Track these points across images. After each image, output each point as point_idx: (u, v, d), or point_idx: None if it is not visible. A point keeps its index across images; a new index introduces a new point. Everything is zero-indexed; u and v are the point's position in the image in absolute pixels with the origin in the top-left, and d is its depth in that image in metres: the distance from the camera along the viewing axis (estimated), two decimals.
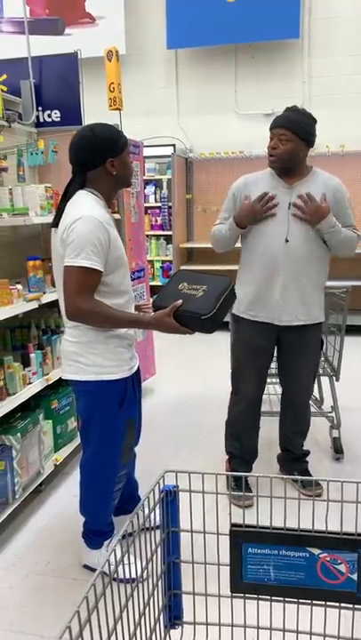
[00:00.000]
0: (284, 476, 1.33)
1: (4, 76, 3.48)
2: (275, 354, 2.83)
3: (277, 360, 2.84)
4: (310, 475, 2.91)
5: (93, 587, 0.88)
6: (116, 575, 0.98)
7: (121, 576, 1.02)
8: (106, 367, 2.05)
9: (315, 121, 2.55)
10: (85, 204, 1.95)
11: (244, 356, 2.78)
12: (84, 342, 2.04)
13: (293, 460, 2.95)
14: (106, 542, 2.29)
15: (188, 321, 1.97)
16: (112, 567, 0.99)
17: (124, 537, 1.09)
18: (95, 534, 2.29)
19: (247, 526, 1.23)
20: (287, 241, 2.54)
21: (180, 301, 1.97)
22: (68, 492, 2.95)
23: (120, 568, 1.03)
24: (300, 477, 1.38)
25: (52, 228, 2.08)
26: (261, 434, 2.90)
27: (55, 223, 2.04)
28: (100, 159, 1.99)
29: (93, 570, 2.29)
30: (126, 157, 2.07)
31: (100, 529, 2.28)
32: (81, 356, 2.04)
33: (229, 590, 1.26)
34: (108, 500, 2.24)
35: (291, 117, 2.53)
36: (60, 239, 1.97)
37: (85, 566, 2.33)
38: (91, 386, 2.06)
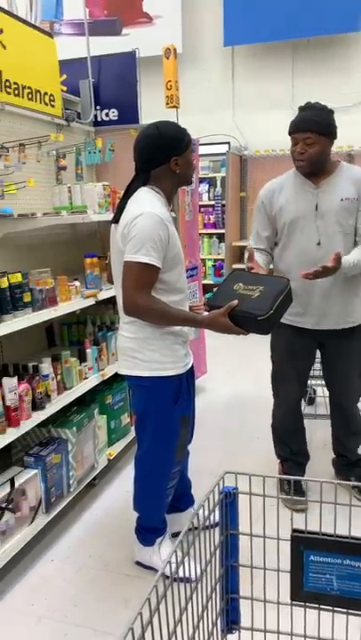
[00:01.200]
0: (349, 483, 1.28)
1: (64, 77, 3.53)
2: (317, 355, 2.77)
3: (322, 363, 2.77)
4: None
5: (155, 588, 0.87)
6: (176, 575, 0.97)
7: (181, 576, 1.01)
8: (162, 363, 2.05)
9: (332, 112, 2.47)
10: (147, 201, 1.96)
11: (283, 360, 2.72)
12: (141, 338, 2.05)
13: (349, 464, 2.86)
14: (158, 539, 2.29)
15: (244, 321, 1.94)
16: (173, 567, 0.97)
17: (173, 535, 1.08)
18: (148, 531, 2.29)
19: (309, 532, 1.19)
20: (319, 244, 2.48)
21: (235, 301, 1.94)
22: (121, 487, 2.97)
23: (180, 569, 1.01)
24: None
25: (113, 225, 2.09)
26: (318, 436, 2.83)
27: (116, 219, 2.05)
28: (165, 157, 2.00)
29: (145, 567, 2.30)
30: (190, 155, 2.07)
31: (153, 526, 2.29)
32: (137, 352, 2.06)
33: (289, 598, 1.22)
34: (161, 496, 2.24)
35: (310, 118, 2.42)
36: (120, 235, 1.98)
37: (138, 563, 2.33)
38: (146, 381, 2.07)
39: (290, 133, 2.49)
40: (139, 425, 2.20)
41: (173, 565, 0.98)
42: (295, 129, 2.47)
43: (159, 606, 0.88)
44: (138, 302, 1.93)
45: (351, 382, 2.74)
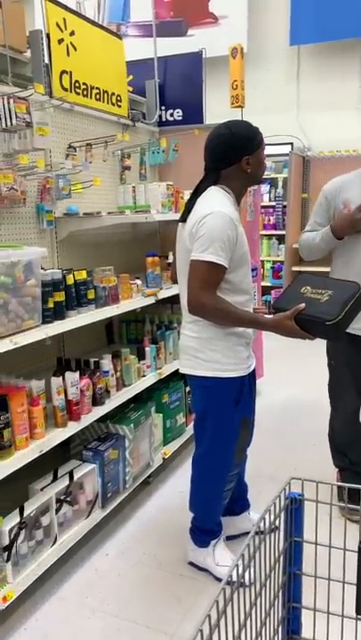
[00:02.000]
0: None
1: (131, 77, 3.57)
2: None
3: None
4: None
5: (223, 591, 0.86)
6: (243, 580, 0.95)
7: (246, 581, 0.99)
8: (224, 364, 2.03)
9: None
10: (217, 200, 1.95)
11: (342, 371, 2.62)
12: (204, 338, 2.04)
13: None
14: (213, 542, 2.27)
15: (311, 326, 1.89)
16: (240, 571, 0.95)
17: (228, 538, 1.06)
18: (203, 532, 2.28)
19: None
20: None
21: (303, 305, 1.90)
22: (175, 486, 2.98)
23: (246, 573, 0.99)
24: None
25: (180, 224, 2.09)
26: None
27: (184, 218, 2.05)
28: (237, 157, 1.98)
29: (199, 568, 2.29)
30: (262, 155, 2.05)
31: (208, 527, 2.27)
32: (200, 352, 2.05)
33: (355, 611, 1.17)
34: (218, 498, 2.22)
35: None
36: (188, 233, 1.98)
37: (191, 563, 2.33)
38: (208, 382, 2.06)
39: None
40: (198, 425, 2.20)
41: (240, 569, 0.96)
42: None
43: (226, 609, 0.87)
44: (203, 301, 1.92)
45: None
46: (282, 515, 1.20)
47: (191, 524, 2.32)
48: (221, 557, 2.24)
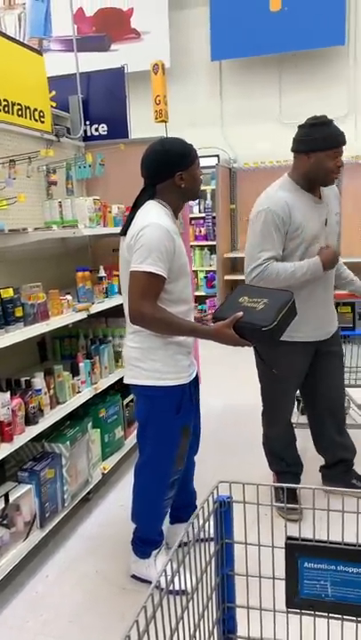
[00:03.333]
0: (352, 490, 1.29)
1: (53, 93, 3.57)
2: None
3: (312, 373, 2.72)
4: None
5: (151, 597, 0.88)
6: (172, 587, 0.97)
7: (176, 588, 1.01)
8: (164, 373, 2.08)
9: None
10: (153, 213, 2.02)
11: (281, 381, 2.64)
12: (145, 348, 2.08)
13: (348, 469, 2.86)
14: (154, 552, 2.28)
15: (249, 333, 1.97)
16: (168, 578, 0.98)
17: (179, 546, 1.08)
18: (145, 543, 2.28)
19: (303, 540, 1.20)
20: None
21: (240, 313, 1.98)
22: (115, 500, 2.97)
23: (175, 579, 1.02)
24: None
25: (121, 237, 2.14)
26: (310, 445, 2.83)
27: (124, 232, 2.10)
28: (170, 172, 2.04)
29: (142, 580, 2.29)
30: (196, 171, 2.11)
31: (150, 537, 2.28)
32: (141, 362, 2.09)
33: (285, 605, 1.22)
34: (159, 506, 2.24)
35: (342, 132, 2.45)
36: (127, 245, 2.03)
37: (133, 576, 2.32)
38: (149, 391, 2.10)
39: (333, 147, 2.39)
40: (140, 433, 2.23)
41: (168, 576, 0.99)
42: (341, 141, 2.41)
43: (155, 615, 0.89)
44: (143, 311, 1.96)
45: (343, 385, 2.81)
46: (211, 518, 1.24)
47: (133, 535, 2.33)
48: (162, 565, 2.25)
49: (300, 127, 2.50)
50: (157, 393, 2.09)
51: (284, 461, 2.84)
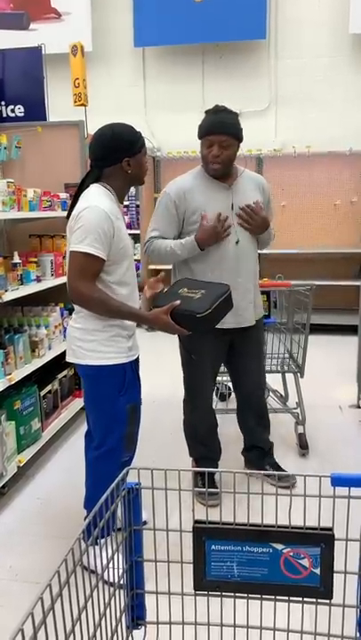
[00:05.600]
0: (260, 472, 1.31)
1: None
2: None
3: (231, 360, 2.80)
4: (281, 468, 2.91)
5: (49, 587, 0.85)
6: (81, 563, 0.96)
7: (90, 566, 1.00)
8: (103, 352, 2.12)
9: (238, 115, 2.55)
10: (95, 195, 2.04)
11: (201, 367, 2.70)
12: (86, 329, 2.12)
13: (262, 456, 2.94)
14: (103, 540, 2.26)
15: (184, 320, 2.06)
16: (76, 558, 0.96)
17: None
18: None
19: (210, 523, 1.22)
20: (237, 242, 2.56)
21: (178, 301, 2.08)
22: (32, 494, 2.89)
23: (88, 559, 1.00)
24: (276, 473, 1.35)
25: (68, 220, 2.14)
26: (231, 430, 2.89)
27: (68, 215, 2.13)
28: (117, 157, 2.07)
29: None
30: (142, 158, 2.14)
31: None
32: (82, 341, 2.13)
33: (193, 588, 1.24)
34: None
35: (227, 121, 2.47)
36: (68, 227, 2.08)
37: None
38: (90, 370, 2.14)
39: (203, 136, 2.49)
40: (89, 414, 2.27)
41: (69, 566, 0.97)
42: (211, 131, 2.46)
43: (54, 606, 0.86)
44: (80, 290, 2.00)
45: (263, 373, 2.88)
46: (119, 505, 1.23)
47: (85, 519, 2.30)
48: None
49: None
50: (100, 372, 2.13)
51: (204, 446, 2.86)
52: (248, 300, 2.66)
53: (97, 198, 2.03)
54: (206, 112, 2.53)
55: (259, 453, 2.96)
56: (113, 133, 2.07)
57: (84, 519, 2.26)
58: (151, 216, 2.72)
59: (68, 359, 2.22)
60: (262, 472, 2.79)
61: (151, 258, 2.66)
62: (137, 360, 2.29)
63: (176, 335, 2.23)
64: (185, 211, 2.55)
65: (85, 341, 2.12)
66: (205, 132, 2.49)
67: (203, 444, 2.87)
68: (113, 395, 2.16)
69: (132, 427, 2.27)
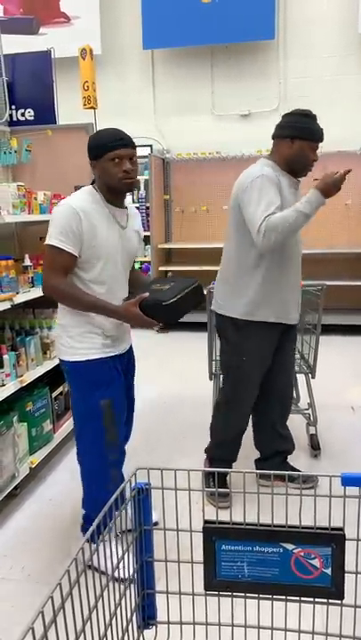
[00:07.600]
0: (270, 472, 1.30)
1: None
2: None
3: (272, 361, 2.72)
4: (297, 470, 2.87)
5: (59, 586, 0.86)
6: (90, 563, 0.96)
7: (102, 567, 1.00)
8: (77, 349, 2.17)
9: None
10: (74, 195, 2.11)
11: (253, 364, 2.63)
12: (62, 325, 2.19)
13: (282, 462, 2.90)
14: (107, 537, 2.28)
15: (152, 309, 2.10)
16: (87, 556, 0.96)
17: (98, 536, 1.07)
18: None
19: (220, 523, 1.22)
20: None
21: (146, 294, 2.12)
22: (44, 495, 2.90)
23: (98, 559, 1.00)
24: (286, 473, 1.34)
25: None
26: None
27: None
28: (90, 161, 2.13)
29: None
30: (106, 164, 2.05)
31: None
32: (61, 338, 2.21)
33: (203, 588, 1.24)
34: (102, 489, 2.19)
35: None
36: None
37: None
38: (67, 365, 2.20)
39: (316, 140, 2.49)
40: (72, 409, 2.32)
41: (87, 555, 0.97)
42: (321, 138, 2.51)
43: (64, 605, 0.87)
44: (50, 282, 2.07)
45: (294, 375, 2.89)
46: (129, 505, 1.23)
47: (83, 519, 2.36)
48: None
49: (286, 115, 2.56)
50: (75, 367, 2.18)
51: (227, 449, 2.79)
52: (298, 299, 2.70)
53: (73, 197, 2.10)
54: (304, 114, 2.50)
55: (280, 460, 2.89)
56: (90, 137, 2.13)
57: (82, 518, 2.30)
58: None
59: (56, 354, 2.29)
60: (272, 472, 2.78)
61: (274, 233, 2.33)
62: (124, 357, 2.29)
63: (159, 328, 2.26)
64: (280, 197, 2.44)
65: (62, 337, 2.20)
66: (319, 137, 2.50)
67: (227, 447, 2.80)
68: (87, 390, 2.20)
69: (109, 423, 2.24)
